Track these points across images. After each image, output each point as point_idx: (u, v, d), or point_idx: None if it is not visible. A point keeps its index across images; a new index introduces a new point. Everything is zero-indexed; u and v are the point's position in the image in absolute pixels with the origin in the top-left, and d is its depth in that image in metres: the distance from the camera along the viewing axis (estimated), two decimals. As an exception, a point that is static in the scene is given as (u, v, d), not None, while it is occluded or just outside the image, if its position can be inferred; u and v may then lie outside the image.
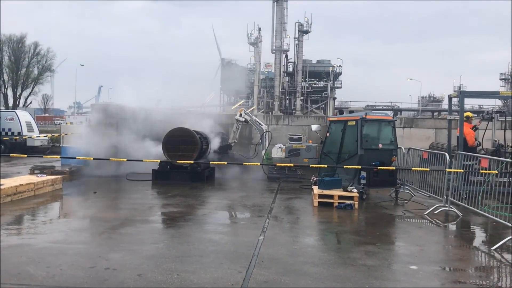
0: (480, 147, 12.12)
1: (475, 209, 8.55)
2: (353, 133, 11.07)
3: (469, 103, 51.28)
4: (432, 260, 6.14)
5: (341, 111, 14.06)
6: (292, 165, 14.11)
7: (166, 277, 5.00)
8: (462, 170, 9.35)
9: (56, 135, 21.94)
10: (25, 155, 12.36)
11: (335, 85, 55.09)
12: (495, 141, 12.47)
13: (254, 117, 16.09)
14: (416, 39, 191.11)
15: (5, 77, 56.11)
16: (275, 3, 47.51)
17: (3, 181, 9.88)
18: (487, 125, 12.45)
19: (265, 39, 51.41)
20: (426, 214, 9.13)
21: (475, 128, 12.12)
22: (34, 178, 10.73)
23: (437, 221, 8.72)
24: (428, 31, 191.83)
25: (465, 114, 11.84)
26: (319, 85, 55.22)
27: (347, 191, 9.83)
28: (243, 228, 7.92)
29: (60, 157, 15.34)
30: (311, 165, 13.04)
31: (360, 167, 10.31)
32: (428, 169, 10.45)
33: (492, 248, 6.68)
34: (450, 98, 13.58)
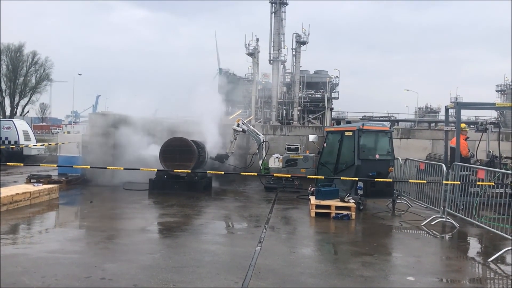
0: (474, 158, 12.15)
1: (472, 220, 8.55)
2: (350, 144, 11.09)
3: (466, 114, 51.44)
4: (429, 271, 6.13)
5: (338, 122, 14.07)
6: (289, 175, 14.11)
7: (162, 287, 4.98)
8: (459, 182, 9.36)
9: (53, 144, 21.90)
10: (22, 164, 12.33)
11: (332, 96, 55.34)
12: (489, 152, 12.52)
13: (251, 127, 16.10)
14: (413, 50, 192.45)
15: (3, 86, 56.20)
16: (273, 14, 47.89)
17: (-1, 190, 9.85)
18: (481, 136, 12.50)
19: (263, 49, 51.62)
20: (423, 225, 9.12)
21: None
22: (30, 187, 10.69)
23: (434, 232, 8.72)
24: (425, 42, 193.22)
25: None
26: (317, 95, 55.46)
27: (344, 201, 9.82)
28: (240, 239, 7.90)
29: (57, 166, 15.30)
30: (308, 176, 13.04)
31: (357, 178, 10.32)
32: (425, 181, 10.46)
33: (489, 260, 6.68)
34: (447, 109, 13.63)
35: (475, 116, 50.04)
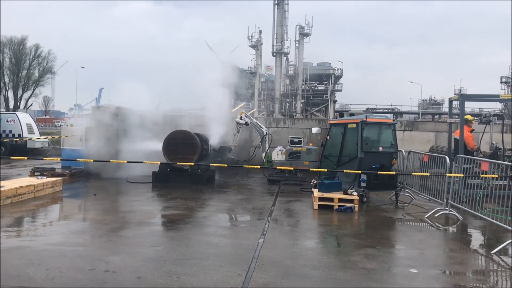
0: (478, 151, 12.10)
1: (475, 213, 8.54)
2: (353, 136, 11.07)
3: (470, 106, 51.31)
4: (432, 263, 6.13)
5: (341, 114, 14.05)
6: (292, 168, 14.12)
7: (165, 280, 5.00)
8: (462, 175, 9.34)
9: (56, 137, 21.97)
10: (26, 157, 12.36)
11: (336, 88, 55.24)
12: (493, 144, 12.48)
13: (254, 120, 16.10)
14: (417, 42, 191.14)
15: (6, 79, 56.26)
16: (276, 6, 47.70)
17: (3, 183, 9.89)
18: (485, 128, 12.45)
19: (266, 41, 51.45)
20: (426, 217, 9.13)
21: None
22: (34, 180, 10.74)
23: (437, 224, 8.72)
24: (429, 34, 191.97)
25: (465, 117, 11.85)
26: (320, 88, 55.37)
27: (347, 194, 9.82)
28: (243, 231, 7.92)
29: (61, 159, 15.35)
30: (311, 169, 13.04)
31: (360, 171, 10.30)
32: (428, 174, 10.44)
33: (492, 252, 6.68)
34: (450, 101, 13.59)
35: (479, 108, 49.86)
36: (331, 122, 13.00)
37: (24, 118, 23.33)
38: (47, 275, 5.05)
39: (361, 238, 7.53)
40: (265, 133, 15.49)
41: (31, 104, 62.64)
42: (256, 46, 49.83)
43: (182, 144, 13.12)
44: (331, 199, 9.69)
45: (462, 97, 12.11)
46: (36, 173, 13.12)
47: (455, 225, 8.78)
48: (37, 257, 5.69)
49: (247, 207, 10.13)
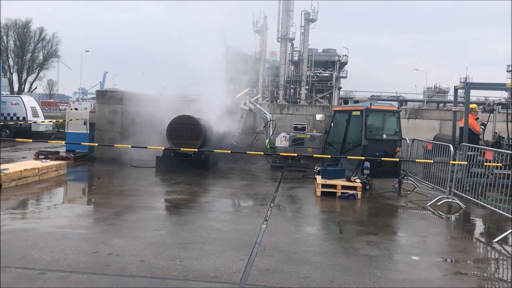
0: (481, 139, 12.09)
1: (478, 201, 8.55)
2: (357, 123, 11.03)
3: (475, 94, 50.97)
4: (434, 251, 6.16)
5: (346, 101, 14.00)
6: (295, 154, 14.12)
7: (168, 264, 5.04)
8: (466, 163, 9.32)
9: (61, 120, 22.01)
10: (30, 140, 12.42)
11: (341, 75, 54.92)
12: (496, 133, 12.43)
13: (258, 106, 16.05)
14: (423, 30, 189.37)
15: (11, 62, 56.26)
16: (282, -9, 47.21)
17: (8, 165, 9.96)
18: (489, 117, 12.39)
19: (270, 27, 51.13)
20: (429, 205, 9.13)
21: (483, 125, 12.08)
22: (38, 163, 10.79)
23: (439, 212, 8.73)
24: (436, 22, 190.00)
25: (470, 106, 11.80)
26: (325, 74, 55.10)
27: (350, 181, 9.83)
28: (245, 216, 7.95)
29: (65, 143, 15.41)
30: (314, 155, 13.03)
31: (363, 158, 10.29)
32: (431, 161, 10.43)
33: (494, 240, 6.70)
34: (456, 90, 13.50)
35: (485, 97, 49.54)
36: (335, 109, 12.95)
37: (29, 101, 23.35)
38: (51, 257, 5.11)
39: (363, 225, 7.56)
40: (268, 119, 15.46)
41: (36, 88, 62.84)
42: (261, 31, 49.47)
43: (186, 129, 13.12)
44: (334, 186, 9.70)
45: (468, 85, 12.02)
46: (40, 156, 13.19)
47: (458, 214, 8.80)
48: (42, 239, 5.75)
49: (250, 192, 10.16)
